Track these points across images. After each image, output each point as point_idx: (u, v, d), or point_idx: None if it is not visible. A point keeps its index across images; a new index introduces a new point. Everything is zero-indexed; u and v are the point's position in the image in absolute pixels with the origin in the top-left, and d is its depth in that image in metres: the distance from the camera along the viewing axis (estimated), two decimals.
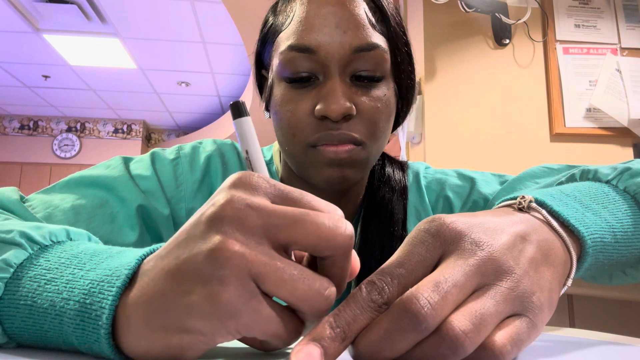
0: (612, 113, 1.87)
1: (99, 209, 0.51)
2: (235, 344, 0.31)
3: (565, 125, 1.88)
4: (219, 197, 0.25)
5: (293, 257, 0.28)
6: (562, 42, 1.94)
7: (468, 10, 1.86)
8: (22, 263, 0.29)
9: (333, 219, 0.25)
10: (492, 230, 0.27)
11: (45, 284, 0.27)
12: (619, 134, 1.89)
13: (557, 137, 1.88)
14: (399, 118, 0.58)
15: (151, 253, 0.27)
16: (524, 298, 0.25)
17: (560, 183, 0.44)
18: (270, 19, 0.56)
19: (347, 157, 0.50)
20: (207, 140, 0.62)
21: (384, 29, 0.52)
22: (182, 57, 4.47)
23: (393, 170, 0.63)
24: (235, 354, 0.29)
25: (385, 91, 0.52)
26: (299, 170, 0.54)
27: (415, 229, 0.28)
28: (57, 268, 0.28)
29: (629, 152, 1.89)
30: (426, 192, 0.63)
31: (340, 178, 0.50)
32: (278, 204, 0.26)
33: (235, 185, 0.25)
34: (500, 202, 0.35)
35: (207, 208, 0.25)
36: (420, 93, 1.88)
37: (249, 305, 0.23)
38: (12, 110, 6.06)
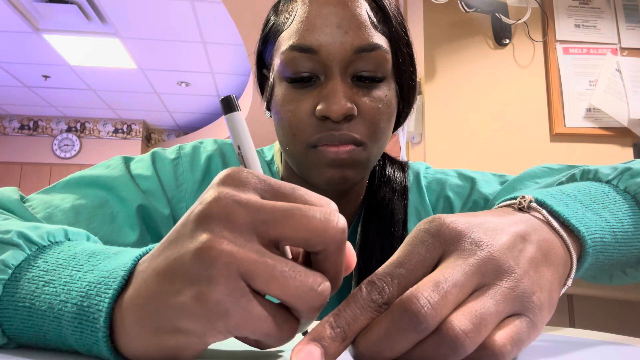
0: (612, 113, 1.87)
1: (99, 209, 0.51)
2: (236, 344, 0.31)
3: (565, 125, 1.88)
4: (207, 194, 0.24)
5: (289, 254, 0.28)
6: (562, 42, 1.94)
7: (468, 10, 1.86)
8: (20, 264, 0.29)
9: (324, 212, 0.24)
10: (492, 230, 0.27)
11: (44, 286, 0.27)
12: (619, 134, 1.89)
13: (557, 137, 1.88)
14: (400, 118, 0.58)
15: (147, 253, 0.27)
16: (524, 298, 0.25)
17: (561, 183, 0.44)
18: (272, 18, 0.56)
19: (348, 157, 0.50)
20: (207, 140, 0.62)
21: (386, 30, 0.52)
22: (182, 57, 4.47)
23: (393, 171, 0.63)
24: (235, 354, 0.29)
25: (386, 92, 0.51)
26: (300, 170, 0.54)
27: (415, 229, 0.27)
28: (55, 269, 0.28)
29: (629, 152, 1.89)
30: (426, 192, 0.63)
31: (341, 178, 0.50)
32: (269, 199, 0.25)
33: (223, 182, 0.25)
34: (500, 202, 0.35)
35: (196, 206, 0.24)
36: (420, 93, 1.88)
37: (239, 304, 0.22)
38: (12, 110, 6.06)
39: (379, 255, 0.56)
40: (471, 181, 0.62)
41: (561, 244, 0.30)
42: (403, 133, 1.93)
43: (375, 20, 0.51)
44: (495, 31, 1.92)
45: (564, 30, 1.95)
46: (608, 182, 0.41)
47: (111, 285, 0.25)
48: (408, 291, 0.23)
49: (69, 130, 6.29)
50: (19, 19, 3.74)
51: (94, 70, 4.79)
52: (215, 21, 3.74)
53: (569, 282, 0.31)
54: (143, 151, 6.30)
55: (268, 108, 0.58)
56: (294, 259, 0.26)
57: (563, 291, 0.30)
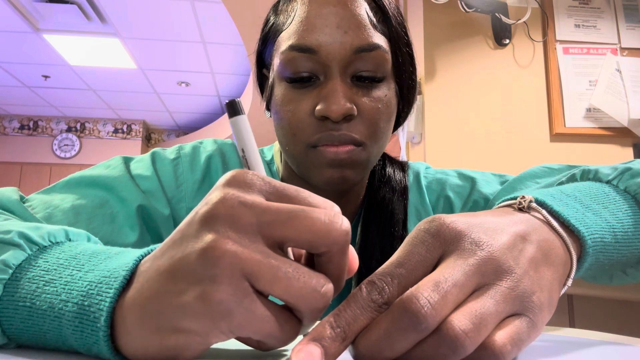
0: (612, 113, 1.87)
1: (99, 209, 0.51)
2: (236, 344, 0.31)
3: (565, 125, 1.88)
4: (213, 195, 0.25)
5: (292, 256, 0.28)
6: (562, 42, 1.94)
7: (468, 10, 1.86)
8: (20, 264, 0.29)
9: (328, 214, 0.24)
10: (492, 230, 0.27)
11: (44, 285, 0.27)
12: (619, 134, 1.89)
13: (557, 137, 1.88)
14: (400, 118, 0.58)
15: (149, 253, 0.27)
16: (524, 298, 0.25)
17: (561, 183, 0.44)
18: (272, 18, 0.56)
19: (347, 157, 0.50)
20: (207, 140, 0.62)
21: (385, 29, 0.52)
22: (182, 57, 4.47)
23: (393, 171, 0.63)
24: (235, 354, 0.29)
25: (386, 92, 0.51)
26: (300, 170, 0.54)
27: (415, 229, 0.27)
28: (55, 269, 0.28)
29: (629, 152, 1.89)
30: (427, 192, 0.63)
31: (341, 179, 0.50)
32: (274, 201, 0.25)
33: (229, 183, 0.25)
34: (500, 202, 0.35)
35: (201, 207, 0.25)
36: (420, 93, 1.88)
37: (242, 304, 0.23)
38: (12, 110, 6.06)
39: (379, 255, 0.56)
40: (471, 181, 0.62)
41: (561, 244, 0.30)
42: (403, 133, 1.93)
43: (374, 20, 0.51)
44: (495, 31, 1.92)
45: (564, 30, 1.95)
46: (608, 182, 0.41)
47: (112, 285, 0.25)
48: (408, 291, 0.24)
49: (69, 130, 6.29)
50: (19, 19, 3.74)
51: (94, 70, 4.79)
52: (215, 21, 3.74)
53: (569, 282, 0.31)
54: (143, 151, 6.30)
55: (268, 108, 0.57)
56: (297, 261, 0.26)
57: (563, 291, 0.30)
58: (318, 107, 0.49)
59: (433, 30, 1.92)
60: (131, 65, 4.65)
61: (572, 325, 1.03)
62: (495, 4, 1.89)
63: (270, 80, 0.55)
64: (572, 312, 1.02)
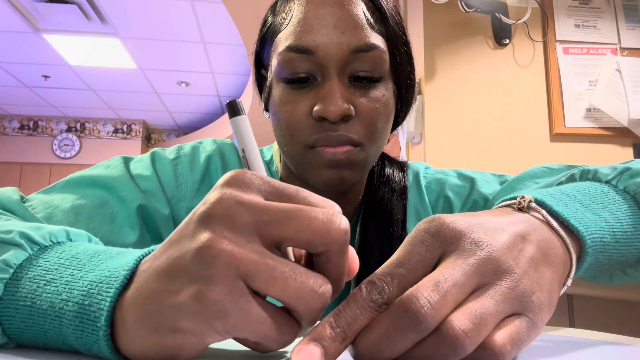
0: (612, 113, 1.88)
1: (99, 209, 0.51)
2: (236, 345, 0.31)
3: (565, 125, 1.88)
4: (211, 195, 0.25)
5: (292, 256, 0.28)
6: (562, 42, 1.94)
7: (468, 10, 1.86)
8: (21, 264, 0.29)
9: (327, 214, 0.24)
10: (492, 230, 0.27)
11: (45, 285, 0.27)
12: (619, 134, 1.89)
13: (557, 137, 1.88)
14: (399, 118, 0.58)
15: (149, 253, 0.27)
16: (524, 297, 0.25)
17: (560, 183, 0.44)
18: (269, 19, 0.56)
19: (345, 158, 0.50)
20: (207, 140, 0.62)
21: (383, 29, 0.52)
22: (182, 57, 4.47)
23: (393, 171, 0.63)
24: (235, 354, 0.29)
25: (383, 92, 0.51)
26: (298, 171, 0.54)
27: (415, 229, 0.27)
28: (56, 269, 0.28)
29: (629, 152, 1.89)
30: (426, 192, 0.63)
31: (339, 179, 0.50)
32: (273, 200, 0.25)
33: (228, 183, 0.25)
34: (500, 202, 0.35)
35: (199, 207, 0.25)
36: (420, 93, 1.88)
37: (237, 304, 0.22)
38: (12, 110, 6.06)
39: (378, 256, 0.56)
40: (471, 181, 0.62)
41: (561, 244, 0.30)
42: (403, 133, 1.93)
43: (372, 20, 0.51)
44: (495, 31, 1.92)
45: (564, 30, 1.95)
46: (607, 182, 0.41)
47: (113, 285, 0.25)
48: (408, 291, 0.24)
49: (68, 130, 6.29)
50: (19, 19, 3.74)
51: (94, 70, 4.79)
52: (215, 21, 3.74)
53: (569, 282, 0.31)
54: (143, 151, 6.30)
55: (266, 109, 0.58)
56: (297, 261, 0.26)
57: (563, 291, 0.30)
58: (316, 108, 0.49)
59: (433, 30, 1.92)
60: (131, 65, 4.65)
61: (572, 325, 1.03)
62: (495, 4, 1.89)
63: (269, 81, 0.55)
64: (572, 312, 1.02)
